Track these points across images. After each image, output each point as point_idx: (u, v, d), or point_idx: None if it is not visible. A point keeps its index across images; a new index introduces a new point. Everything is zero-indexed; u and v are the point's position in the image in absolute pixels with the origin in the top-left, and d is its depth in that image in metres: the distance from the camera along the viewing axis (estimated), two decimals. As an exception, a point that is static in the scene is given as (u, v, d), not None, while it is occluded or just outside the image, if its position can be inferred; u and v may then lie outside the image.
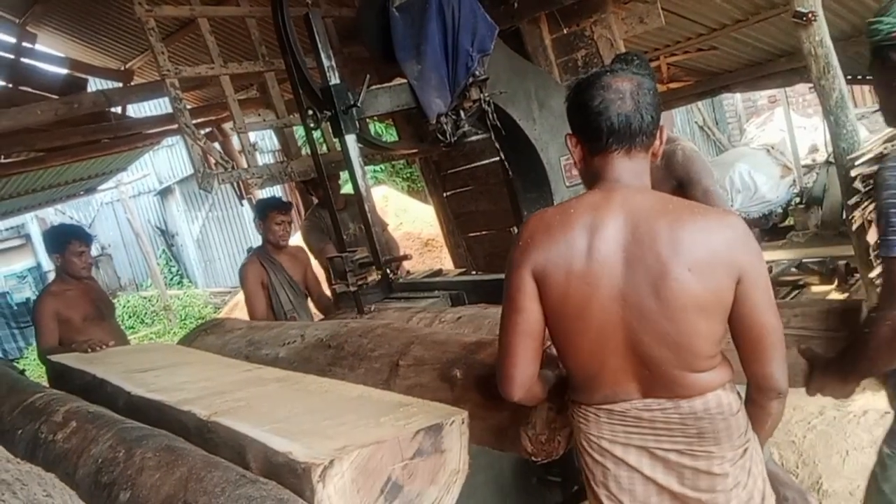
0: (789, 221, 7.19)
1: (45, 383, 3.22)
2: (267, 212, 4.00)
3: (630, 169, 1.45)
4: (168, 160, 13.67)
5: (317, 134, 3.08)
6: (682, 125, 12.84)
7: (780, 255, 5.76)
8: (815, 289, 5.08)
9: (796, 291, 4.96)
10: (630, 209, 1.41)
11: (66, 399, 2.35)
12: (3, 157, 5.14)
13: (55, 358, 3.08)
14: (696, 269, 1.35)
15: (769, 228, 7.20)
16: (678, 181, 2.67)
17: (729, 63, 5.66)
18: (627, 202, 1.42)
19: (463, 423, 1.57)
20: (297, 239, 4.64)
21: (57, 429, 2.07)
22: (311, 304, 4.28)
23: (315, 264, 4.30)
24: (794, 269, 5.44)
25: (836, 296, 4.75)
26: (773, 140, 8.19)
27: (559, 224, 1.45)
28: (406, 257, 3.59)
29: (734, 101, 11.75)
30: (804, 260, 5.53)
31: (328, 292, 4.12)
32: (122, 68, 6.24)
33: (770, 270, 5.25)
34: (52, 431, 2.08)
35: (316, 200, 4.51)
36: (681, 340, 1.37)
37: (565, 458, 3.08)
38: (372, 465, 1.41)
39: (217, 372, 2.46)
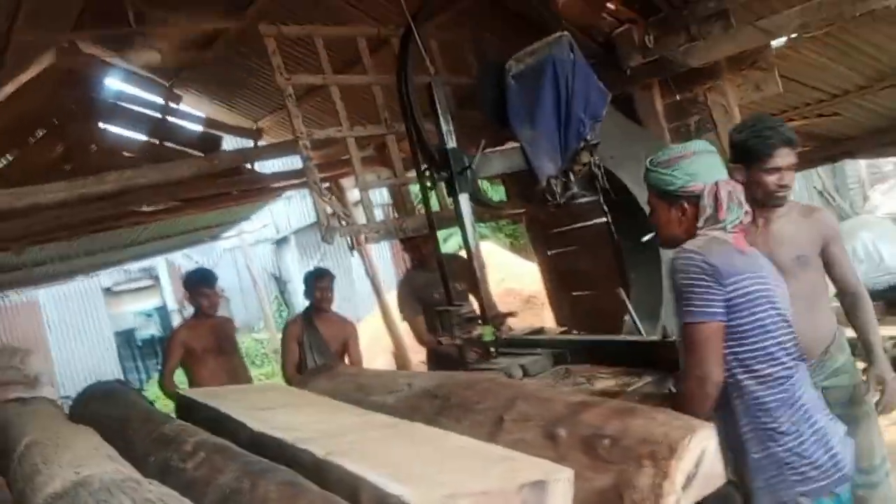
0: (920, 297, 6.71)
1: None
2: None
3: None
4: (285, 211, 14.46)
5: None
6: (800, 190, 12.31)
7: (904, 331, 5.38)
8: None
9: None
10: None
11: (195, 431, 2.52)
12: (146, 205, 5.67)
13: (184, 392, 3.33)
14: None
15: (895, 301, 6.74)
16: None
17: (851, 129, 5.45)
18: None
19: (568, 481, 1.59)
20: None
21: (186, 457, 2.22)
22: None
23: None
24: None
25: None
26: (901, 208, 7.73)
27: None
28: (512, 314, 3.66)
29: (857, 166, 11.18)
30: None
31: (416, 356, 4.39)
32: (254, 127, 6.78)
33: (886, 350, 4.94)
34: (181, 459, 2.23)
35: (410, 261, 4.74)
36: None
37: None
38: (478, 515, 1.46)
39: (330, 415, 2.59)
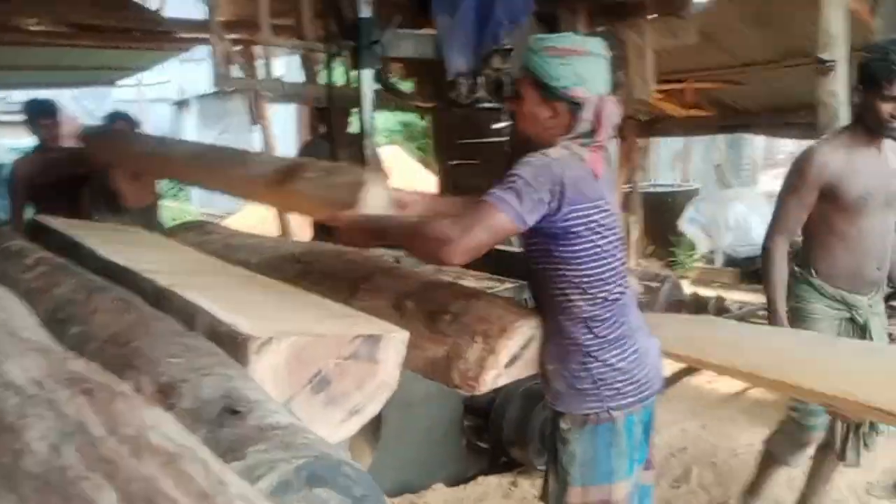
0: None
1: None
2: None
3: None
4: (193, 74, 13.65)
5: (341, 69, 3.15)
6: (699, 162, 12.82)
7: (753, 298, 5.88)
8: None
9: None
10: None
11: (41, 250, 2.43)
12: (30, 24, 5.18)
13: (38, 217, 3.16)
14: None
15: (751, 271, 7.31)
16: None
17: (752, 103, 5.73)
18: None
19: (402, 342, 1.65)
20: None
21: (26, 270, 2.15)
22: None
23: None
24: (761, 313, 5.55)
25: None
26: (781, 192, 8.26)
27: None
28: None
29: (753, 149, 11.79)
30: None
31: None
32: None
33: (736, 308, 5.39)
34: (20, 271, 2.16)
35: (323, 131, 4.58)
36: None
37: (497, 427, 3.19)
38: (307, 354, 1.49)
39: (188, 258, 2.55)
